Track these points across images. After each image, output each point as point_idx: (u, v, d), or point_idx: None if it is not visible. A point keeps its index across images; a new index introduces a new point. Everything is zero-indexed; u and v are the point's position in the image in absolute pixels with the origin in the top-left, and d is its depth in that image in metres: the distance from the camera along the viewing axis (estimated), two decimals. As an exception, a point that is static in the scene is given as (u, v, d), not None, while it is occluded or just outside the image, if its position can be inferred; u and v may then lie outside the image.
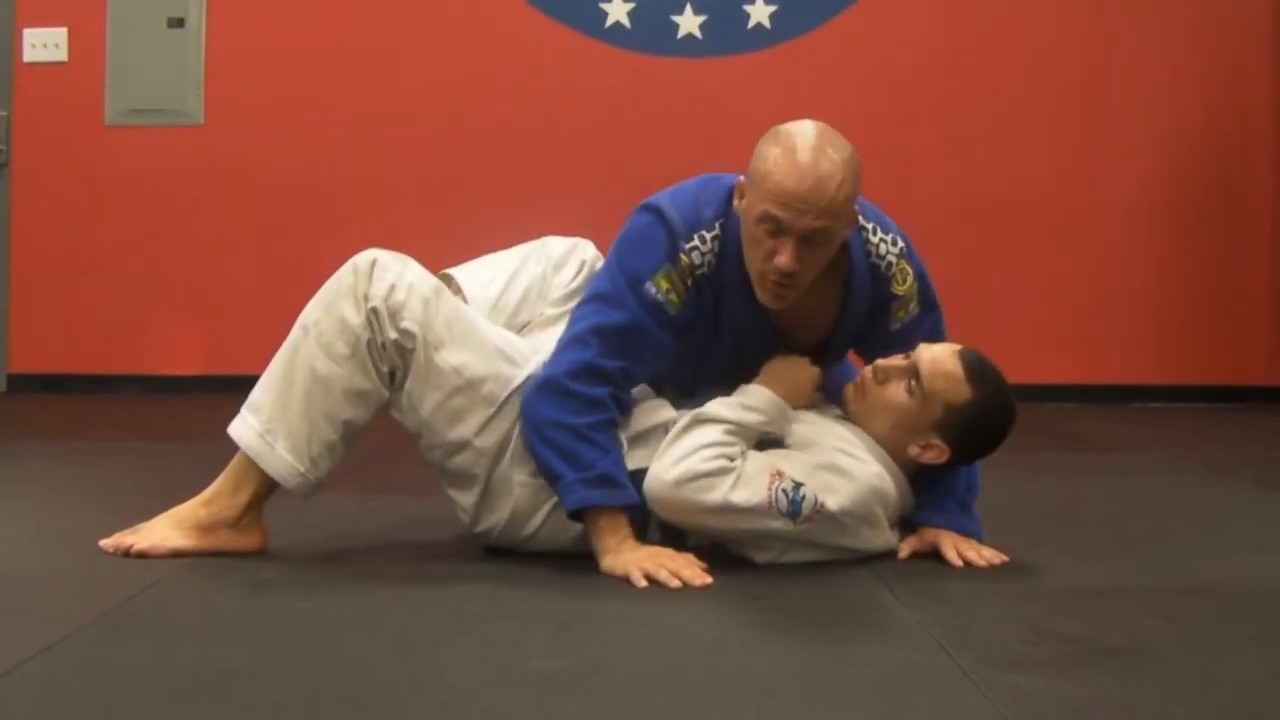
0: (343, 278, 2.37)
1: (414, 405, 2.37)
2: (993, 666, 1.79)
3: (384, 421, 2.43)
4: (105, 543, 2.42)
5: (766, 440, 2.41)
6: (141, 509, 2.50)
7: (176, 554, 2.36)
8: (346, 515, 2.88)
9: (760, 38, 5.83)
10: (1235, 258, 5.92)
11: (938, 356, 2.44)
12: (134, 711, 1.59)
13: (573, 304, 2.61)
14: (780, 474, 2.30)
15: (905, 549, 2.50)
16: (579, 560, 2.37)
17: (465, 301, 2.61)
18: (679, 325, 2.44)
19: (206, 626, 2.01)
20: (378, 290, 2.32)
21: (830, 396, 2.61)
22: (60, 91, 5.80)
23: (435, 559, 2.52)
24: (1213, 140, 5.90)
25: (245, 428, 2.39)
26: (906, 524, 2.54)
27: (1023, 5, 5.87)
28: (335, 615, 2.07)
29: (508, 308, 2.65)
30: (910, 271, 2.51)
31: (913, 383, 2.43)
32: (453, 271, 2.69)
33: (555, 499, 2.40)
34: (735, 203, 2.39)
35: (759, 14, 5.84)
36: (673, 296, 2.40)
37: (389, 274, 2.34)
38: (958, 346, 2.47)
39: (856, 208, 2.38)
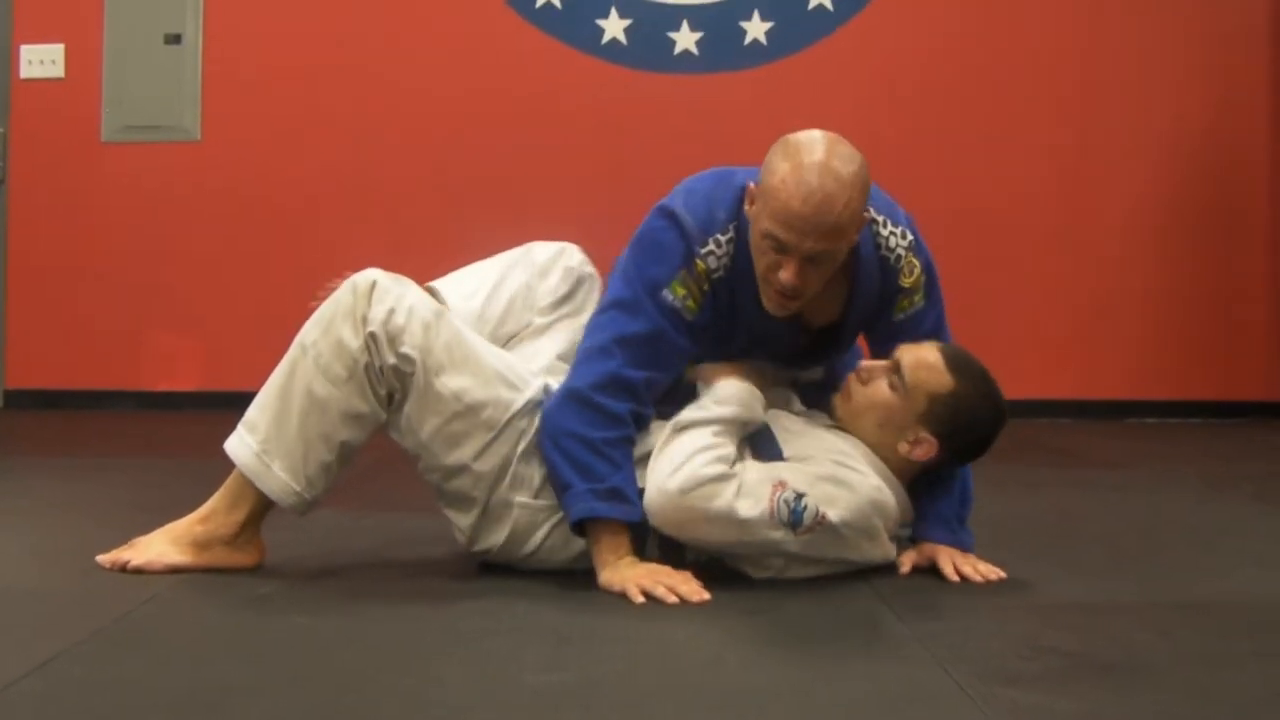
0: (341, 298, 2.35)
1: (413, 428, 2.36)
2: (989, 682, 1.79)
3: (381, 438, 2.43)
4: (102, 558, 2.42)
5: (762, 448, 2.42)
6: (139, 525, 2.49)
7: (172, 570, 2.36)
8: (343, 531, 2.87)
9: (757, 54, 5.85)
10: (1232, 272, 5.93)
11: (919, 350, 2.46)
12: (130, 728, 1.59)
13: (561, 311, 2.63)
14: (782, 484, 2.30)
15: (905, 564, 2.50)
16: (576, 576, 2.37)
17: (445, 305, 2.61)
18: (696, 329, 2.44)
19: (203, 642, 2.01)
20: (377, 314, 2.31)
21: (820, 404, 2.62)
22: (57, 107, 5.81)
23: (432, 575, 2.52)
24: (1209, 155, 5.91)
25: (241, 446, 2.38)
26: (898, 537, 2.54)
27: (1021, 18, 5.89)
28: (331, 631, 2.07)
29: (492, 319, 2.64)
30: (918, 265, 2.51)
31: (895, 378, 2.44)
32: (435, 284, 2.68)
33: (555, 520, 2.40)
34: (746, 207, 2.38)
35: (755, 30, 5.85)
36: (689, 303, 2.41)
37: (389, 297, 2.33)
38: (940, 344, 2.49)
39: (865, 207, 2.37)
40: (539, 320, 2.66)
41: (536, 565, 2.45)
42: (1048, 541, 2.93)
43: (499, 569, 2.48)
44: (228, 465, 2.41)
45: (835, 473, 2.35)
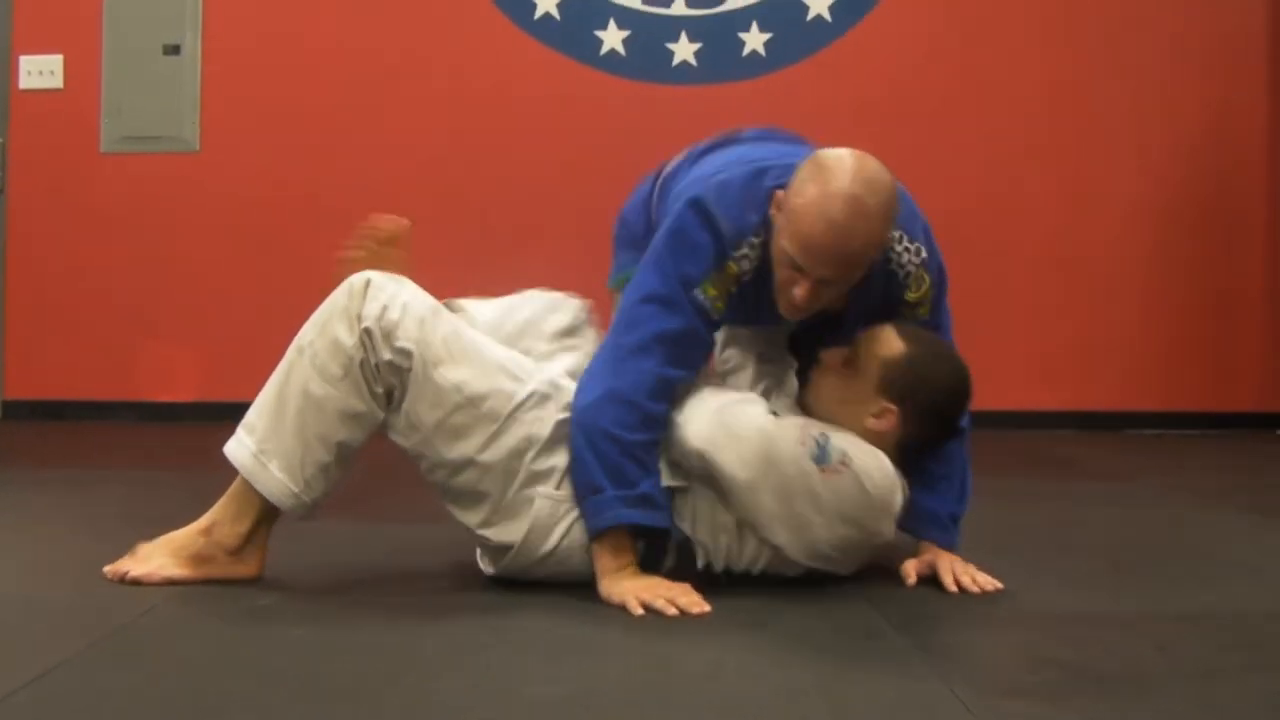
0: (337, 298, 2.36)
1: (413, 425, 2.35)
2: (987, 693, 1.79)
3: (380, 448, 2.43)
4: (107, 569, 2.41)
5: None
6: (137, 537, 2.48)
7: (170, 583, 2.36)
8: (342, 542, 2.87)
9: (755, 65, 5.86)
10: (1229, 284, 5.94)
11: (873, 329, 2.50)
12: (129, 740, 1.59)
13: (565, 342, 2.64)
14: (809, 424, 2.37)
15: (911, 574, 2.50)
16: (575, 588, 2.37)
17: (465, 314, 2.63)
18: (718, 326, 2.48)
19: (201, 654, 2.00)
20: (370, 311, 2.31)
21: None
22: (56, 118, 5.82)
23: (431, 587, 2.52)
24: (1206, 166, 5.92)
25: (239, 447, 2.38)
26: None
27: (1017, 29, 5.90)
28: (330, 642, 2.07)
29: (507, 331, 2.64)
30: (927, 280, 2.51)
31: (852, 356, 2.48)
32: (457, 301, 2.70)
33: (575, 515, 2.38)
34: (772, 212, 2.38)
35: (754, 41, 5.86)
36: (718, 304, 2.41)
37: (383, 294, 2.34)
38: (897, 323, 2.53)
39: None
40: (544, 346, 2.65)
41: (551, 569, 2.42)
42: (1046, 553, 2.93)
43: (498, 582, 2.47)
44: (227, 476, 2.41)
45: (855, 441, 2.38)
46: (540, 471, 2.38)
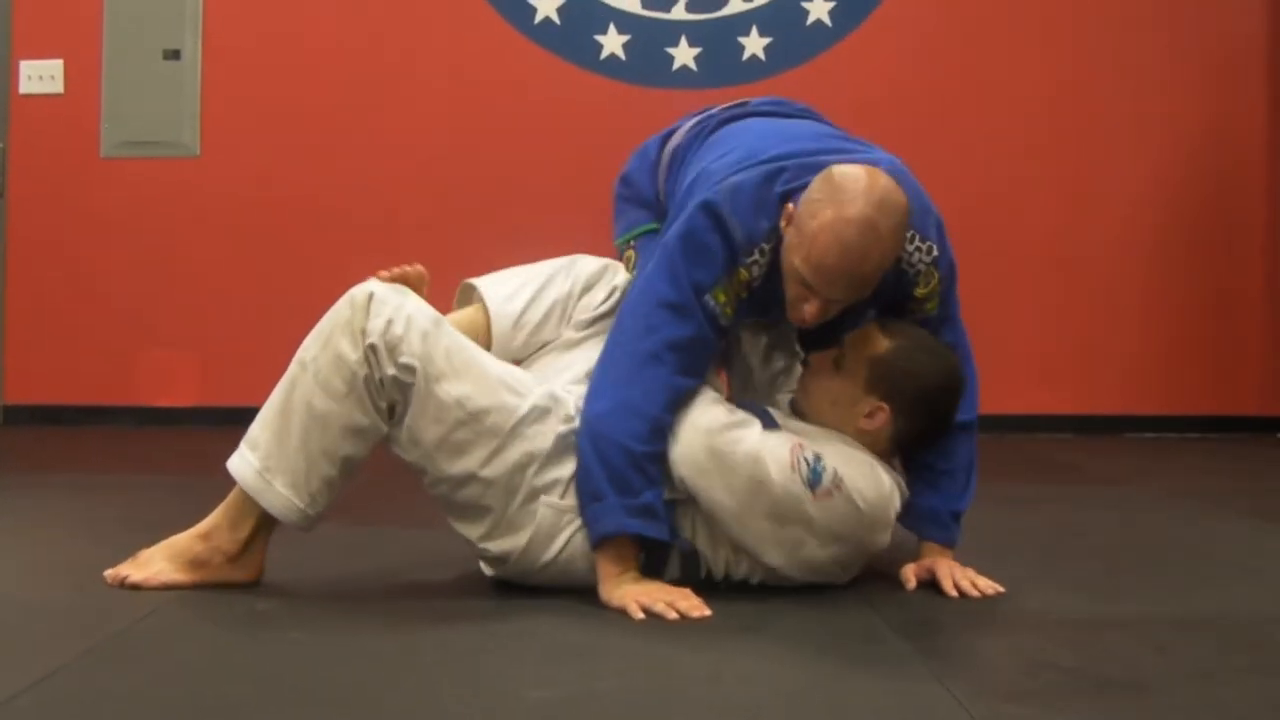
0: (339, 312, 2.34)
1: (415, 440, 2.34)
2: (987, 697, 1.79)
3: (380, 454, 2.42)
4: (107, 573, 2.41)
5: None
6: (136, 542, 2.48)
7: (169, 588, 2.36)
8: (342, 547, 2.87)
9: (755, 69, 5.86)
10: (1229, 287, 5.94)
11: (859, 329, 2.51)
12: (128, 744, 1.59)
13: (595, 329, 2.62)
14: (801, 444, 2.33)
15: (910, 579, 2.51)
16: (575, 592, 2.37)
17: (486, 311, 2.61)
18: (725, 332, 2.47)
19: (201, 658, 2.00)
20: (375, 326, 2.29)
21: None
22: (56, 123, 5.82)
23: (431, 591, 2.52)
24: (1204, 171, 5.92)
25: (243, 464, 2.37)
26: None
27: (1015, 37, 5.90)
28: (330, 647, 2.06)
29: (529, 325, 2.63)
30: (936, 276, 2.51)
31: (839, 358, 2.49)
32: (475, 282, 2.68)
33: (578, 524, 2.37)
34: (782, 225, 2.38)
35: (754, 46, 5.87)
36: (728, 309, 2.41)
37: (386, 308, 2.31)
38: (880, 318, 2.53)
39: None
40: (572, 334, 2.64)
41: (553, 575, 2.41)
42: (1046, 556, 2.93)
43: (497, 586, 2.48)
44: (228, 481, 2.40)
45: (848, 454, 2.38)
46: (542, 485, 2.37)
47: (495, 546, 2.40)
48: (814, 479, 2.29)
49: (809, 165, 2.42)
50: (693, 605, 2.26)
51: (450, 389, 2.31)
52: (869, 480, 2.36)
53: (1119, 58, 5.90)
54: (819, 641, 2.13)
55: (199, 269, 5.82)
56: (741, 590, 2.40)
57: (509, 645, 2.07)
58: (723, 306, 2.40)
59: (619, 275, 2.72)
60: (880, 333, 2.48)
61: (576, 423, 2.40)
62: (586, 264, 2.72)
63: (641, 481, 2.32)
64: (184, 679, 1.88)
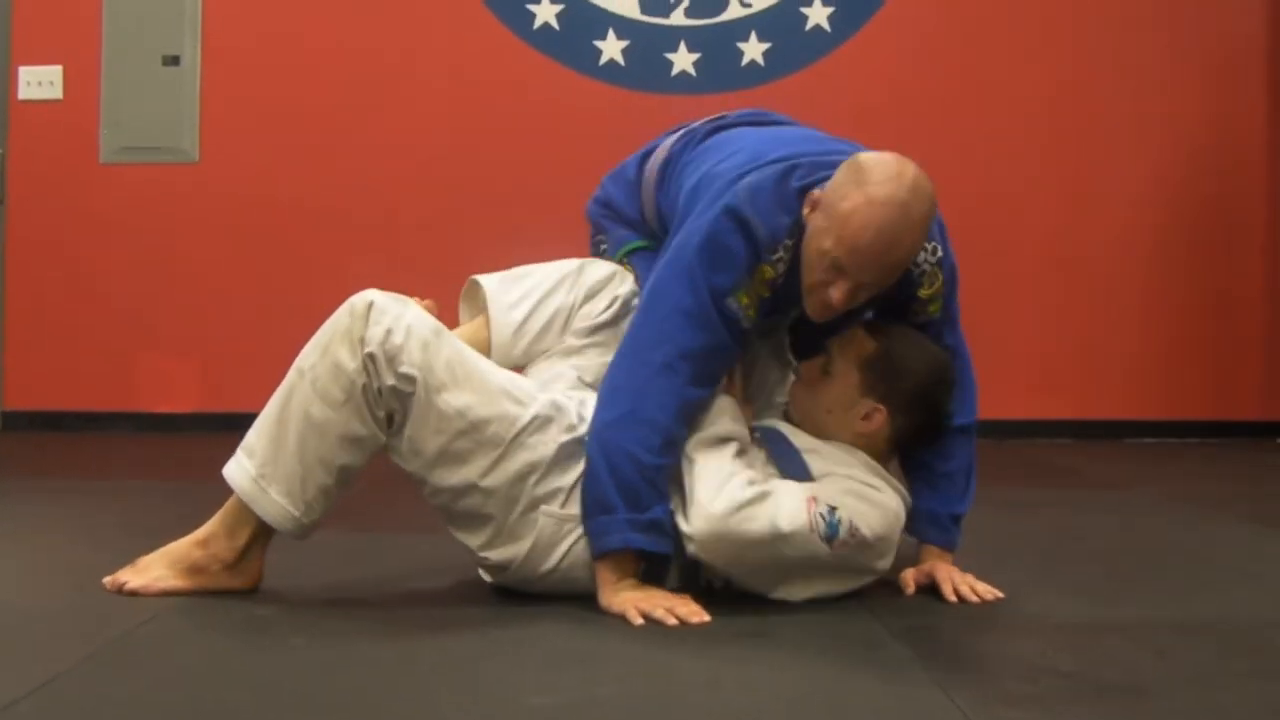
0: (338, 320, 2.32)
1: (416, 450, 2.32)
2: (987, 702, 1.79)
3: (380, 459, 2.41)
4: (107, 579, 2.41)
5: (789, 469, 2.42)
6: (136, 548, 2.48)
7: (167, 594, 2.36)
8: (341, 553, 2.87)
9: (754, 75, 5.86)
10: (1228, 292, 5.94)
11: (843, 334, 2.52)
12: (127, 751, 1.59)
13: (596, 339, 2.62)
14: (815, 499, 2.31)
15: (909, 584, 2.51)
16: (574, 598, 2.37)
17: (488, 324, 2.62)
18: (747, 334, 2.46)
19: (201, 665, 2.00)
20: (374, 335, 2.27)
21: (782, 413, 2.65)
22: (55, 129, 5.82)
23: (430, 597, 2.52)
24: (1204, 175, 5.93)
25: (239, 470, 2.36)
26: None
27: (1015, 41, 5.91)
28: (329, 653, 2.06)
29: (530, 333, 2.63)
30: (940, 277, 2.52)
31: (828, 364, 2.50)
32: (483, 282, 2.68)
33: (580, 531, 2.37)
34: (805, 212, 2.38)
35: (753, 51, 5.87)
36: (750, 311, 2.40)
37: (386, 318, 2.29)
38: (863, 320, 2.54)
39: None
40: (573, 342, 2.64)
41: (554, 584, 2.41)
42: (1046, 561, 2.94)
43: (497, 592, 2.47)
44: (226, 488, 2.40)
45: (862, 491, 2.38)
46: (543, 495, 2.37)
47: (496, 555, 2.40)
48: (831, 533, 2.29)
49: (820, 163, 2.43)
50: (692, 611, 2.26)
51: (451, 399, 2.30)
52: (879, 513, 2.37)
53: (1119, 58, 5.91)
54: (819, 647, 2.13)
55: (199, 274, 5.81)
56: (740, 597, 2.39)
57: (508, 651, 2.07)
58: (745, 309, 2.39)
59: (624, 285, 2.71)
60: (866, 334, 2.50)
61: (579, 431, 2.40)
62: (593, 272, 2.72)
63: (651, 496, 2.31)
64: (184, 685, 1.88)
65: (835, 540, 2.29)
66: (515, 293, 2.67)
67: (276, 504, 2.33)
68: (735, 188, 2.42)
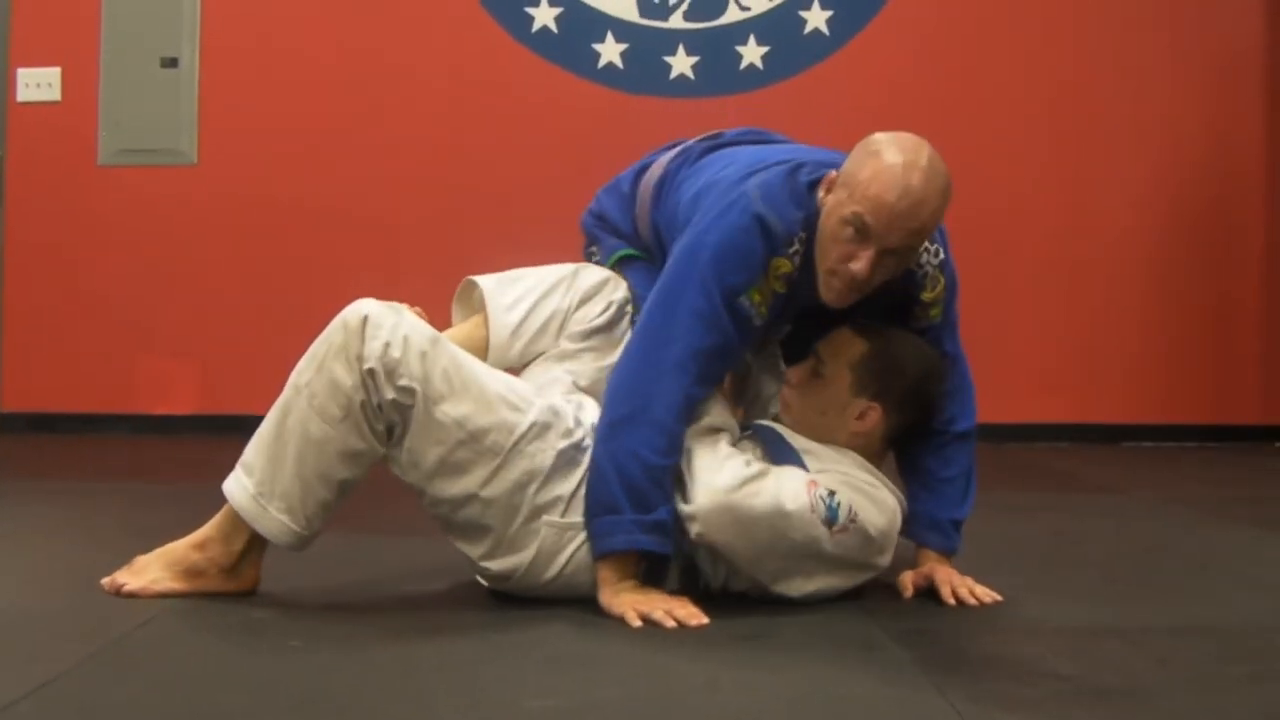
0: (333, 336, 2.30)
1: (415, 462, 2.32)
2: (986, 706, 1.79)
3: (378, 463, 2.42)
4: (105, 580, 2.40)
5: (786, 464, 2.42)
6: (134, 550, 2.47)
7: (165, 596, 2.35)
8: (339, 556, 2.86)
9: (753, 78, 5.87)
10: (1226, 297, 5.94)
11: (830, 335, 2.52)
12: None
13: (590, 343, 2.62)
14: (815, 482, 2.32)
15: (908, 587, 2.51)
16: (574, 602, 2.37)
17: (486, 325, 2.61)
18: (757, 331, 2.46)
19: (198, 667, 2.00)
20: (372, 350, 2.25)
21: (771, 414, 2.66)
22: (53, 131, 5.81)
23: (429, 600, 2.52)
24: (1203, 179, 5.93)
25: (238, 488, 2.35)
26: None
27: (1014, 44, 5.91)
28: (327, 656, 2.06)
29: (526, 335, 2.62)
30: (942, 281, 2.53)
31: (818, 366, 2.50)
32: (480, 282, 2.67)
33: (582, 538, 2.37)
34: (822, 194, 2.39)
35: (751, 55, 5.87)
36: (762, 309, 2.41)
37: (382, 331, 2.26)
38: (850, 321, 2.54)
39: None
40: (568, 345, 2.64)
41: (556, 591, 2.40)
42: (1044, 565, 2.94)
43: (498, 595, 2.47)
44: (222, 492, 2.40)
45: (857, 485, 2.38)
46: (543, 504, 2.36)
47: (496, 565, 2.39)
48: (831, 517, 2.30)
49: (824, 163, 2.45)
50: (691, 613, 2.26)
51: (449, 410, 2.29)
52: (877, 506, 2.38)
53: (1119, 59, 5.91)
54: (817, 650, 2.13)
55: (197, 276, 5.81)
56: (739, 599, 2.40)
57: (507, 654, 2.07)
58: (757, 306, 2.39)
59: (618, 290, 2.71)
60: (855, 334, 2.51)
61: (576, 436, 2.40)
62: (588, 276, 2.71)
63: (657, 497, 2.31)
64: (182, 687, 1.88)
65: (835, 525, 2.30)
66: (511, 294, 2.66)
67: (277, 521, 2.32)
68: (743, 187, 2.42)
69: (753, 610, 2.35)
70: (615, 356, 2.58)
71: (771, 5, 5.88)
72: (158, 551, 2.42)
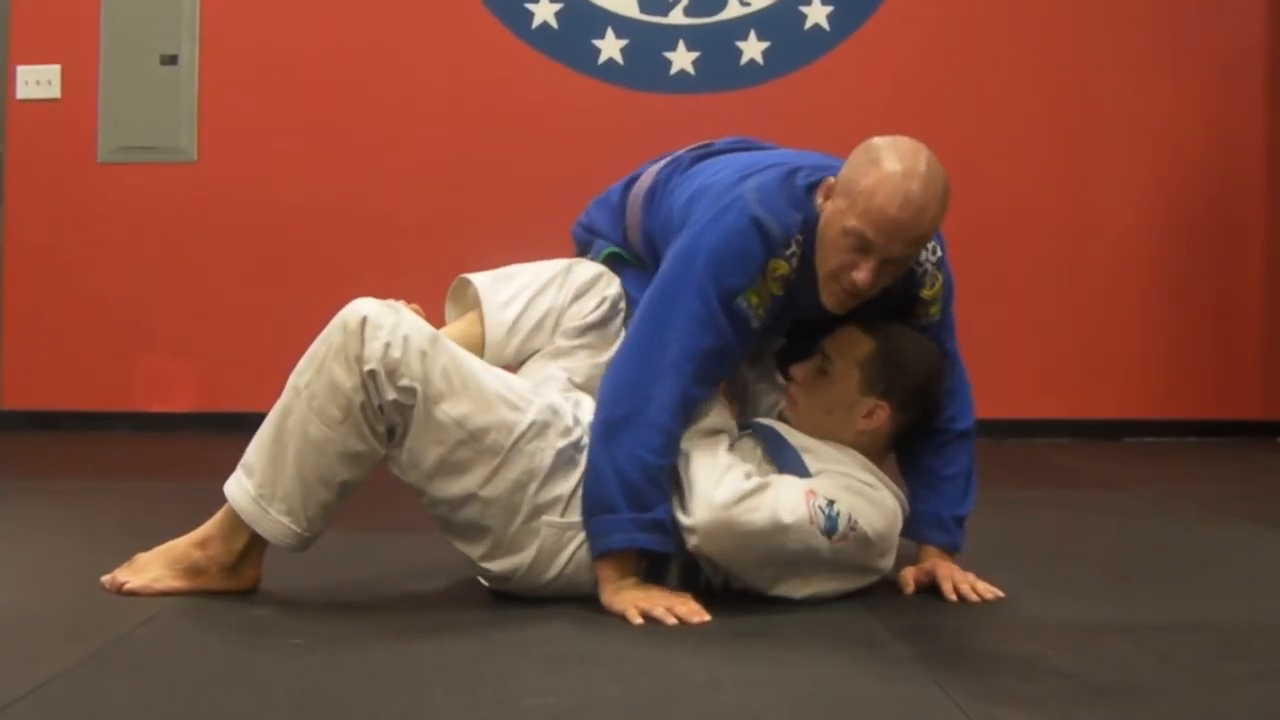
0: (332, 337, 2.28)
1: (415, 461, 2.31)
2: (987, 703, 1.79)
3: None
4: (105, 579, 2.40)
5: (788, 468, 2.42)
6: (134, 548, 2.47)
7: (166, 594, 2.35)
8: (340, 554, 2.86)
9: (753, 74, 5.86)
10: (1227, 293, 5.94)
11: (837, 333, 2.52)
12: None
13: (585, 340, 2.62)
14: (814, 492, 2.31)
15: (909, 583, 2.51)
16: (574, 600, 2.37)
17: (481, 321, 2.61)
18: (754, 333, 2.45)
19: (199, 666, 2.00)
20: (373, 351, 2.24)
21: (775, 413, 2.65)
22: (53, 128, 5.81)
23: (429, 598, 2.52)
24: (1203, 178, 5.93)
25: (239, 490, 2.35)
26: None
27: (1014, 41, 5.91)
28: (328, 654, 2.06)
29: (522, 332, 2.62)
30: (940, 279, 2.53)
31: (825, 365, 2.50)
32: (474, 280, 2.67)
33: (581, 537, 2.36)
34: (820, 201, 2.39)
35: (752, 50, 5.87)
36: (760, 311, 2.40)
37: (382, 332, 2.25)
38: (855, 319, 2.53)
39: None
40: (562, 343, 2.64)
41: (556, 590, 2.40)
42: (1045, 562, 2.93)
43: (498, 593, 2.46)
44: (222, 490, 2.40)
45: (857, 487, 2.38)
46: (543, 503, 2.36)
47: (497, 566, 2.39)
48: (830, 526, 2.30)
49: (820, 166, 2.45)
50: (691, 611, 2.26)
51: (449, 409, 2.29)
52: (878, 509, 2.38)
53: (1119, 58, 5.91)
54: (818, 646, 2.13)
55: (197, 274, 5.81)
56: (740, 596, 2.40)
57: (508, 652, 2.07)
58: (755, 308, 2.39)
59: (611, 286, 2.71)
60: (862, 332, 2.50)
61: (575, 434, 2.40)
62: (581, 272, 2.71)
63: (655, 496, 2.31)
64: (183, 685, 1.88)
65: (834, 534, 2.30)
66: (506, 292, 2.66)
67: (278, 522, 2.32)
68: (740, 189, 2.42)
69: (754, 607, 2.35)
70: (610, 353, 2.58)
71: (772, 0, 5.88)
72: (158, 550, 2.42)
